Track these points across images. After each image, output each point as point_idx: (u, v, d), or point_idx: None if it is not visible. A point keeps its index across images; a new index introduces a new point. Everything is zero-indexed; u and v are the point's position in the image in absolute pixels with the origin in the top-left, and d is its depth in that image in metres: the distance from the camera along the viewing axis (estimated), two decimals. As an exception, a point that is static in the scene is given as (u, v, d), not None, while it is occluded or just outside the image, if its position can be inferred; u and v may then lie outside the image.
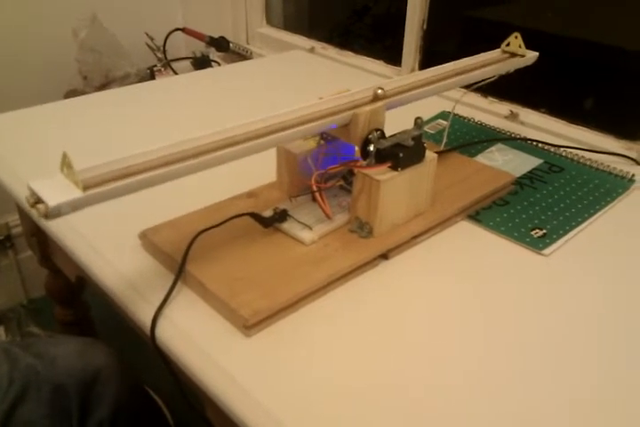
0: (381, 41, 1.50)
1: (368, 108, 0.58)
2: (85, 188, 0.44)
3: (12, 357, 0.73)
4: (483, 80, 0.73)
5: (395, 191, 0.59)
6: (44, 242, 0.91)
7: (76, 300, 1.11)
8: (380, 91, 0.59)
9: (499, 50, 0.76)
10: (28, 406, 0.68)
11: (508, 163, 0.79)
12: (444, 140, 0.77)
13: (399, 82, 0.64)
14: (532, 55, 0.76)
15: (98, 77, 1.34)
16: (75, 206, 0.44)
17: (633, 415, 0.46)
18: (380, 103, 0.59)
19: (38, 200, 0.43)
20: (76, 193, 0.44)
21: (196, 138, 0.51)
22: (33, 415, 0.68)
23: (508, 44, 0.76)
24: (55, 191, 0.44)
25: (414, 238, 0.63)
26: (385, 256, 0.61)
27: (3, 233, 1.52)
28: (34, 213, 0.44)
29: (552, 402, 0.46)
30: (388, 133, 0.60)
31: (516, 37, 0.74)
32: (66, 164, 0.44)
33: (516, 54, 0.75)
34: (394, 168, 0.59)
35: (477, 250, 0.64)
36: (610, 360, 0.51)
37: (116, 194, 0.46)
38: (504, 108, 0.99)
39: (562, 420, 0.45)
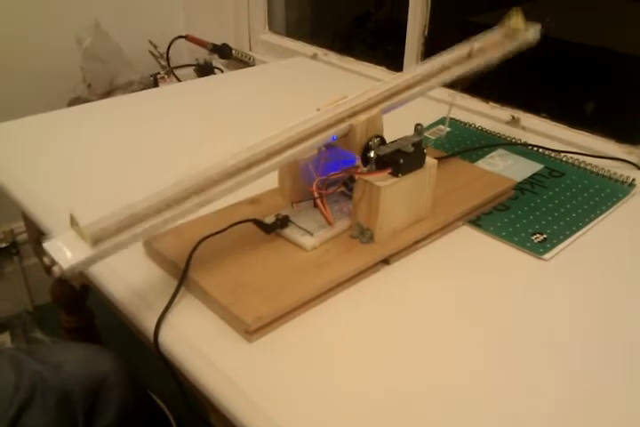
0: (383, 47, 1.51)
1: (364, 117, 0.59)
2: (95, 242, 0.46)
3: (18, 363, 0.74)
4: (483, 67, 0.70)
5: (395, 197, 0.60)
6: (49, 249, 0.92)
7: (80, 307, 1.11)
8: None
9: (497, 29, 0.73)
10: (34, 413, 0.69)
11: (508, 168, 0.80)
12: (445, 145, 0.78)
13: (396, 80, 0.64)
14: (534, 29, 0.73)
15: (102, 85, 1.35)
16: (87, 264, 0.47)
17: (633, 418, 0.46)
18: (375, 110, 0.60)
19: (54, 261, 0.46)
20: (87, 251, 0.46)
21: (198, 172, 0.52)
22: (39, 422, 0.69)
23: (508, 20, 0.73)
24: (68, 251, 0.46)
25: (415, 244, 0.64)
26: (386, 262, 0.61)
27: (8, 240, 1.53)
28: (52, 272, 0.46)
29: (553, 407, 0.47)
30: (388, 140, 0.61)
31: (517, 13, 0.72)
32: (74, 222, 0.46)
33: (517, 30, 0.73)
34: (394, 174, 0.59)
35: (478, 255, 0.64)
36: (610, 364, 0.51)
37: (128, 243, 0.48)
38: (505, 113, 1.00)
39: (562, 423, 0.45)
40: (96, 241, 0.46)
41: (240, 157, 0.53)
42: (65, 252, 0.46)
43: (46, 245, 0.46)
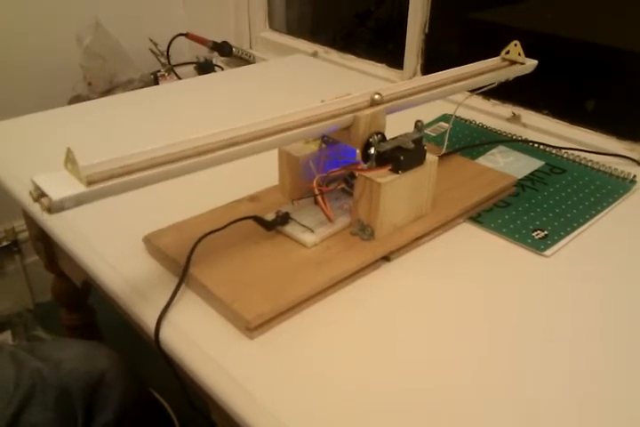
0: (384, 44, 1.51)
1: (369, 111, 0.59)
2: (89, 183, 0.45)
3: (19, 360, 0.74)
4: (482, 87, 0.73)
5: (396, 194, 0.60)
6: (50, 247, 0.92)
7: (81, 304, 1.12)
8: (377, 96, 0.59)
9: (498, 57, 0.76)
10: (34, 410, 0.69)
11: (509, 165, 0.80)
12: (446, 142, 0.78)
13: (398, 88, 0.65)
14: (531, 63, 0.76)
15: (102, 83, 1.35)
16: (78, 201, 0.44)
17: (637, 414, 0.46)
18: (380, 107, 0.60)
19: (42, 194, 0.44)
20: (80, 188, 0.44)
21: (199, 137, 0.51)
22: (39, 419, 0.69)
23: (507, 52, 0.75)
24: (59, 186, 0.44)
25: (416, 240, 0.64)
26: (387, 258, 0.61)
27: (9, 238, 1.53)
28: (37, 207, 0.44)
29: (554, 402, 0.47)
30: (388, 136, 0.61)
31: (516, 45, 0.74)
32: (70, 159, 0.45)
33: (515, 62, 0.75)
34: (395, 171, 0.59)
35: (479, 252, 0.64)
36: (612, 360, 0.51)
37: (120, 190, 0.47)
38: (506, 110, 0.99)
39: (562, 421, 0.45)
40: (90, 182, 0.45)
41: (242, 131, 0.53)
42: (56, 185, 0.44)
43: (36, 178, 0.44)
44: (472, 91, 0.73)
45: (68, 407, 0.72)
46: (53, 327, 1.48)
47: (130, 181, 0.47)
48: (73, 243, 0.65)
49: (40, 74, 1.42)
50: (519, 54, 0.75)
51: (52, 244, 0.91)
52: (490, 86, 0.74)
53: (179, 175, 0.50)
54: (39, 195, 0.44)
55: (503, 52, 0.76)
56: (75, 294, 1.07)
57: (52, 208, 0.43)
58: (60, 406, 0.71)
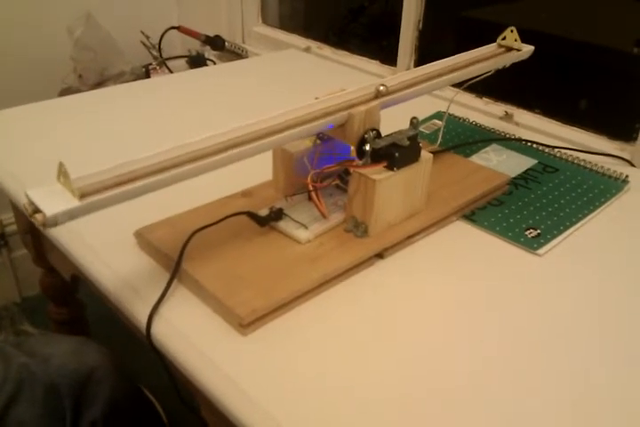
0: (377, 41, 1.51)
1: (363, 107, 0.58)
2: (82, 196, 0.45)
3: (5, 356, 0.73)
4: (478, 76, 0.73)
5: (390, 191, 0.59)
6: (39, 240, 0.91)
7: (70, 298, 1.10)
8: (382, 87, 0.59)
9: (494, 44, 0.76)
10: (21, 406, 0.68)
11: (502, 163, 0.80)
12: (440, 140, 0.77)
13: (397, 79, 0.64)
14: (527, 49, 0.76)
15: (93, 76, 1.33)
16: (72, 215, 0.45)
17: (633, 414, 0.46)
18: (375, 102, 0.59)
19: (36, 209, 0.44)
20: (74, 202, 0.44)
21: (192, 142, 0.51)
22: (26, 415, 0.68)
23: (503, 39, 0.76)
24: (52, 201, 0.44)
25: (410, 238, 0.64)
26: (380, 255, 0.61)
27: (-4, 231, 1.51)
28: (33, 221, 0.44)
29: (547, 402, 0.47)
30: (383, 133, 0.61)
31: (512, 31, 0.74)
32: (62, 173, 0.45)
33: (511, 48, 0.75)
34: (389, 168, 0.59)
35: (472, 250, 0.64)
36: (606, 359, 0.51)
37: (114, 201, 0.47)
38: (499, 108, 1.00)
39: (555, 419, 0.45)
40: (83, 195, 0.45)
41: (237, 133, 0.53)
42: (50, 200, 0.44)
43: (30, 192, 0.44)
44: (467, 81, 0.72)
45: (56, 403, 0.71)
46: (41, 322, 1.46)
47: (124, 192, 0.47)
48: (62, 236, 0.64)
49: (30, 65, 1.41)
50: (515, 40, 0.75)
51: (40, 237, 0.90)
52: (486, 75, 0.73)
53: (174, 183, 0.49)
54: (34, 210, 0.44)
55: (499, 39, 0.76)
56: (63, 287, 1.06)
57: (47, 223, 0.44)
58: (49, 403, 0.70)
